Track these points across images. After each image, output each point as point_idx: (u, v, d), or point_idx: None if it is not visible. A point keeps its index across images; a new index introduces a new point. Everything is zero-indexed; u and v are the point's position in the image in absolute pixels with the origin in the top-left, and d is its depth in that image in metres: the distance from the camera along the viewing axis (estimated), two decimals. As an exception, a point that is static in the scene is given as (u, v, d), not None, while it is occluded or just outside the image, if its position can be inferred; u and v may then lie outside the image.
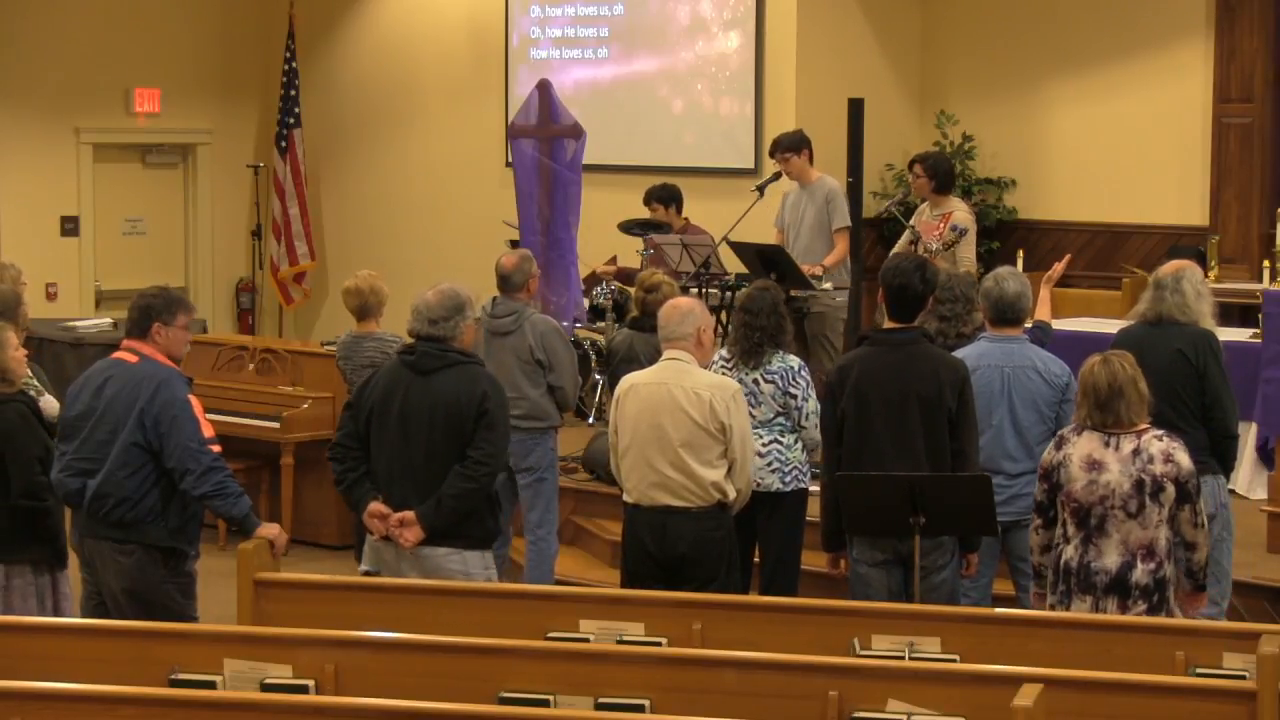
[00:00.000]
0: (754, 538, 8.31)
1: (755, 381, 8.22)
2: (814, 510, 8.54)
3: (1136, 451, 6.85)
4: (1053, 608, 6.98)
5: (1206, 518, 7.03)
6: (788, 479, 8.28)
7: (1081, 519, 6.92)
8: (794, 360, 8.40)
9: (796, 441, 8.34)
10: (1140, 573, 6.84)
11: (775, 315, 8.34)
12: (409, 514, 7.25)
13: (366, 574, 7.46)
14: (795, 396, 8.30)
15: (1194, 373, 7.88)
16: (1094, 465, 6.88)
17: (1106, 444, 6.89)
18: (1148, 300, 8.12)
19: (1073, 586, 6.92)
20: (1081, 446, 6.93)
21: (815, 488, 9.24)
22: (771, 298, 8.41)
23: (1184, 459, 6.86)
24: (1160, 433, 6.92)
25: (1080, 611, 6.86)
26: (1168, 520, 6.85)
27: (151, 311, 7.41)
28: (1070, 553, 6.95)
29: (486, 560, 7.42)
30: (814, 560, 8.84)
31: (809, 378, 8.41)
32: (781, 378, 8.29)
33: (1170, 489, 6.83)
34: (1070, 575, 6.93)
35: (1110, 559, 6.87)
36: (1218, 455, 7.91)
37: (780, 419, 8.28)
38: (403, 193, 16.06)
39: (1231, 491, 8.41)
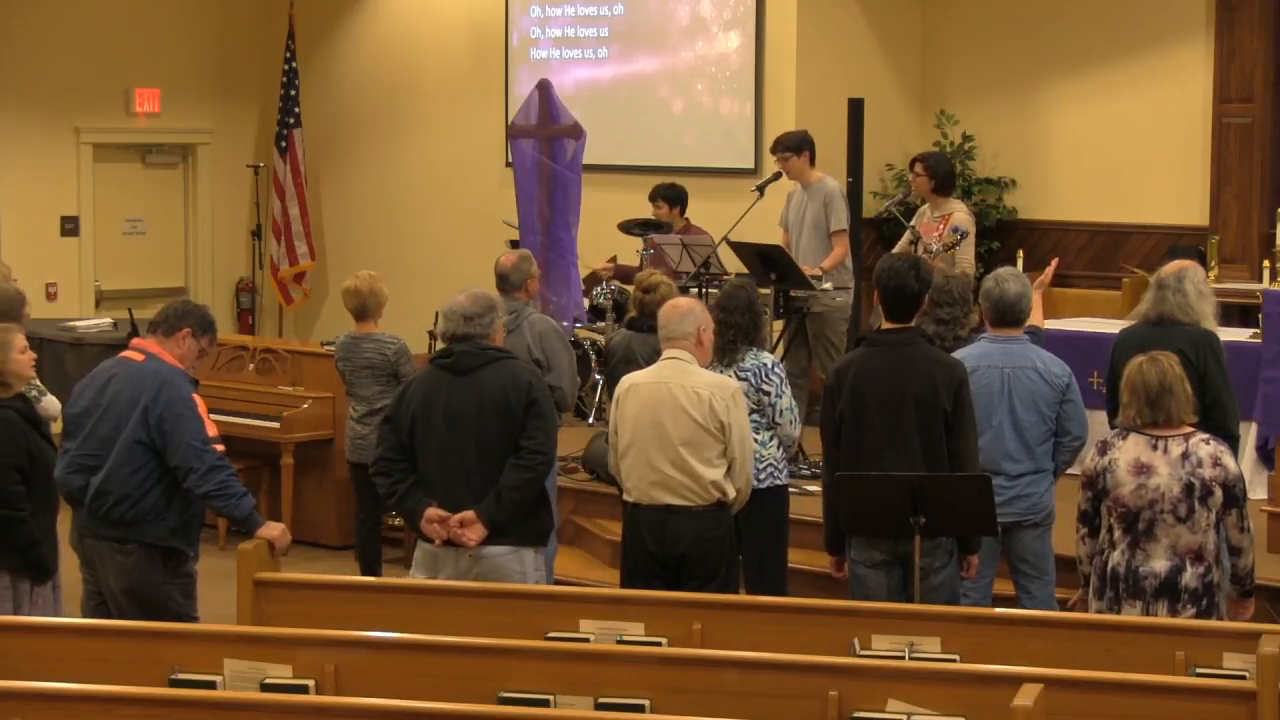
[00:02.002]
0: (737, 537, 8.29)
1: None
2: (816, 511, 8.53)
3: (1185, 455, 6.82)
4: (1099, 613, 6.96)
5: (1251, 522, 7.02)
6: (762, 475, 8.27)
7: (1129, 524, 6.87)
8: (767, 357, 8.41)
9: (772, 439, 8.34)
10: (1190, 576, 6.82)
11: (750, 313, 8.35)
12: (469, 514, 7.27)
13: None
14: (769, 394, 8.30)
15: (1195, 373, 7.86)
16: (1142, 469, 6.84)
17: (1154, 447, 6.86)
18: (1150, 300, 8.12)
19: (1121, 592, 6.88)
20: (1128, 451, 6.89)
21: (814, 488, 9.25)
22: (746, 296, 8.42)
23: (1231, 463, 6.86)
24: (1206, 436, 6.91)
25: (1130, 616, 6.83)
26: (1215, 525, 6.84)
27: (190, 317, 7.49)
28: (1117, 558, 6.90)
29: (540, 560, 7.47)
30: (816, 560, 8.85)
31: (782, 374, 8.41)
32: (755, 375, 8.29)
33: (1219, 493, 6.81)
34: (1118, 581, 6.89)
35: (1159, 563, 6.84)
36: (1219, 456, 7.91)
37: (754, 416, 8.26)
38: (403, 193, 16.05)
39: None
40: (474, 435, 7.30)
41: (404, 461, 7.41)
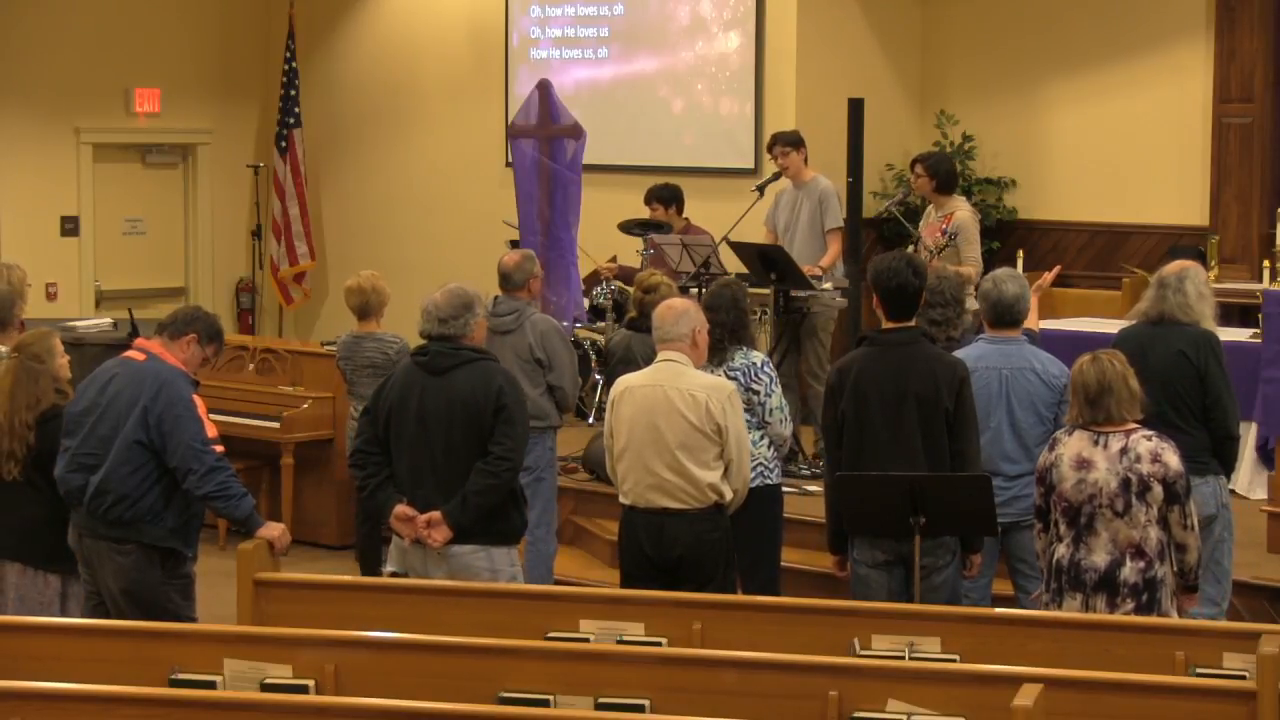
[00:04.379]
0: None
1: None
2: (816, 511, 8.52)
3: (1124, 450, 6.87)
4: (1046, 606, 7.01)
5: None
6: (752, 475, 8.23)
7: (1072, 518, 6.94)
8: (757, 356, 8.38)
9: (762, 438, 8.31)
10: (1129, 571, 6.86)
11: (736, 311, 8.33)
12: (436, 514, 7.28)
13: (393, 575, 7.48)
14: (758, 392, 8.27)
15: (1195, 373, 7.88)
16: (1083, 464, 6.90)
17: (1095, 443, 6.91)
18: (1150, 299, 8.12)
19: (1064, 585, 6.96)
20: (1072, 446, 6.96)
21: (817, 488, 9.23)
22: (732, 294, 8.40)
23: (1172, 459, 6.87)
24: (1149, 433, 6.94)
25: (1071, 609, 6.88)
26: (1158, 520, 6.87)
27: (198, 324, 7.53)
28: (1062, 551, 6.98)
29: (512, 556, 7.46)
30: (815, 560, 8.85)
31: (772, 373, 8.39)
32: (744, 374, 8.26)
33: (1158, 489, 6.84)
34: (1062, 573, 6.97)
35: (1099, 557, 6.89)
36: (1219, 456, 7.92)
37: (744, 415, 8.23)
38: (403, 193, 16.06)
39: (1231, 491, 8.41)
40: (442, 435, 7.32)
41: (379, 455, 7.45)
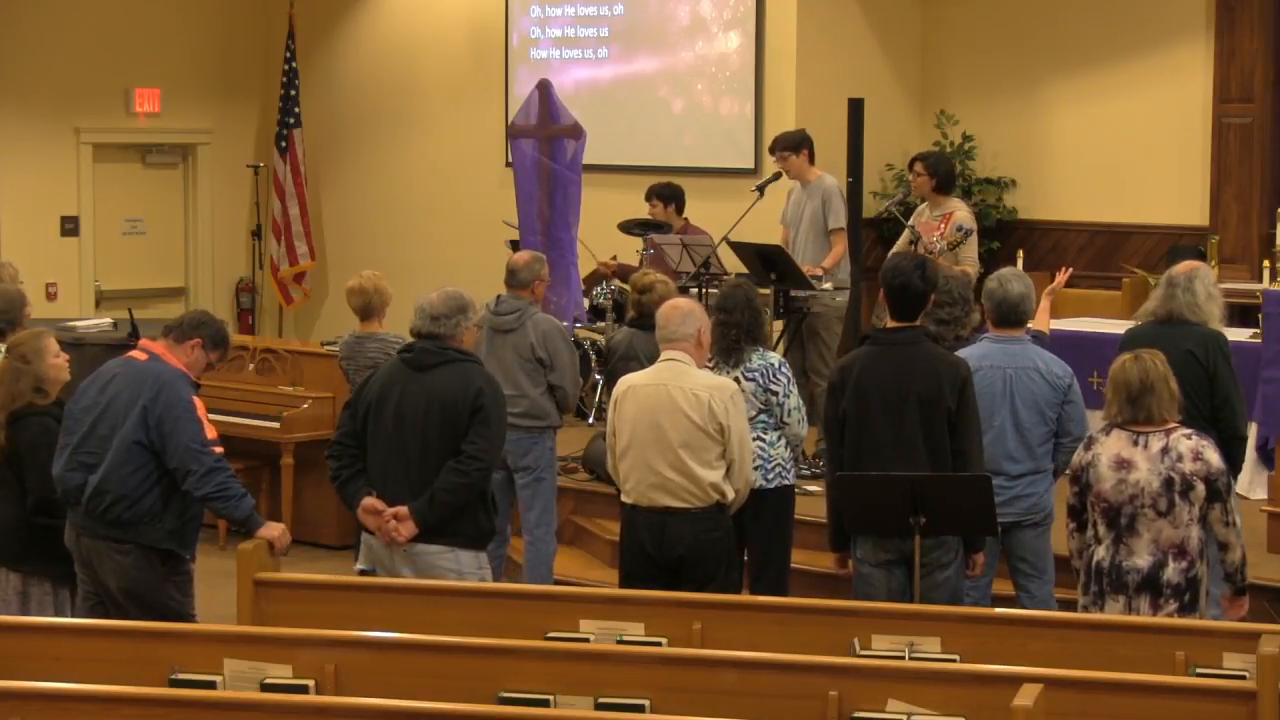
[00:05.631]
0: (741, 536, 8.28)
1: (736, 380, 8.11)
2: (817, 510, 8.52)
3: (1165, 450, 6.85)
4: (1085, 609, 6.98)
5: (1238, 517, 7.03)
6: (770, 476, 8.24)
7: (1111, 519, 6.91)
8: (774, 357, 8.38)
9: (780, 439, 8.31)
10: (1172, 571, 6.85)
11: (750, 311, 8.32)
12: (402, 509, 7.27)
13: (362, 573, 7.48)
14: (777, 393, 8.27)
15: (1204, 373, 7.88)
16: (1123, 464, 6.87)
17: (1135, 443, 6.89)
18: (1159, 298, 8.13)
19: (1105, 587, 6.92)
20: (1110, 446, 6.92)
21: (816, 487, 9.21)
22: (744, 294, 8.39)
23: (1213, 457, 6.87)
24: (1189, 431, 6.93)
25: (1113, 611, 6.85)
26: (1199, 519, 6.85)
27: (204, 329, 7.54)
28: (1101, 553, 6.94)
29: (480, 560, 7.43)
30: (818, 560, 8.85)
31: (790, 374, 8.39)
32: (762, 375, 8.26)
33: (1200, 487, 6.83)
34: (1102, 576, 6.93)
35: (1141, 558, 6.87)
36: (1227, 457, 7.89)
37: (762, 416, 8.25)
38: (403, 193, 16.06)
39: (1233, 492, 8.41)
40: (418, 432, 7.31)
41: (355, 448, 7.45)
